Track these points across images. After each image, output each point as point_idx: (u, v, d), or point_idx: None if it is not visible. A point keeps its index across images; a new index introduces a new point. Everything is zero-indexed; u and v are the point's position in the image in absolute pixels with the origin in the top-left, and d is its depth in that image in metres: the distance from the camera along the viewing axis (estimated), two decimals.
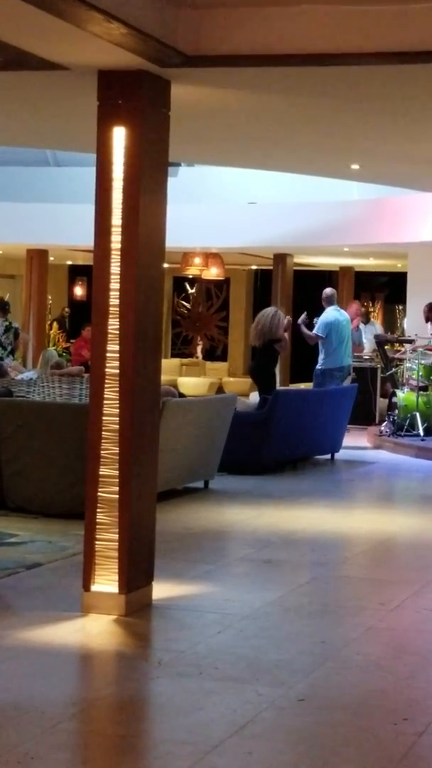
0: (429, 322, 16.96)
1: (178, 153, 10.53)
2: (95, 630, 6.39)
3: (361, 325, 19.80)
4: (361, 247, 20.62)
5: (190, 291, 28.40)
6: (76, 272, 28.96)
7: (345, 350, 15.38)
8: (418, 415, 15.40)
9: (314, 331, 15.24)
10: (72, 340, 22.50)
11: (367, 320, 20.27)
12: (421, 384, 15.79)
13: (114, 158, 6.56)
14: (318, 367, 15.30)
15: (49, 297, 24.04)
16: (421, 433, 15.28)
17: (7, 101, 7.93)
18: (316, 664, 5.85)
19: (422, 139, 9.23)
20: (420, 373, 15.88)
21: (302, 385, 18.02)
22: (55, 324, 23.82)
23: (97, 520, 6.63)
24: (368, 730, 4.96)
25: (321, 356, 15.31)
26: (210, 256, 22.81)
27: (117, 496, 6.59)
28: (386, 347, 17.86)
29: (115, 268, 6.56)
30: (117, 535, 6.59)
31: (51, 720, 4.93)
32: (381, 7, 5.90)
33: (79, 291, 29.04)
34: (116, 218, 6.56)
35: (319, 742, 4.84)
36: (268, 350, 13.89)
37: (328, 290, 15.90)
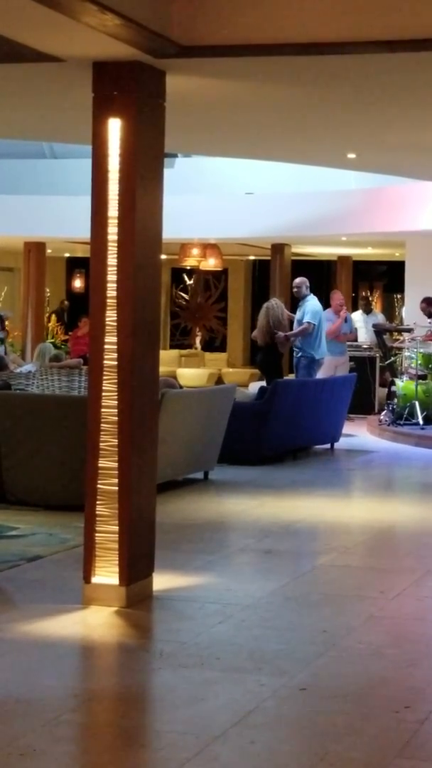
0: (431, 318, 16.88)
1: (174, 144, 10.52)
2: (96, 622, 6.39)
3: (363, 315, 19.76)
4: (358, 237, 20.59)
5: (189, 282, 28.39)
6: (75, 264, 28.94)
7: (324, 340, 15.25)
8: (417, 403, 15.39)
9: (305, 319, 14.78)
10: (70, 333, 22.51)
11: (369, 310, 20.22)
12: (420, 373, 15.79)
13: (110, 150, 6.55)
14: (304, 355, 14.99)
15: (48, 290, 24.01)
16: (421, 421, 15.28)
17: (2, 94, 7.90)
18: (317, 653, 5.86)
19: (418, 128, 9.21)
20: (419, 362, 15.87)
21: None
22: (53, 317, 23.80)
23: (97, 512, 6.64)
24: (370, 718, 4.97)
25: (306, 345, 14.93)
26: (208, 247, 22.78)
27: (117, 488, 6.59)
28: (385, 336, 17.84)
29: (112, 259, 6.56)
30: (117, 527, 6.60)
31: (53, 712, 4.93)
32: None
33: (77, 283, 29.02)
34: (113, 210, 6.55)
35: (321, 731, 4.84)
36: (272, 342, 14.01)
37: (300, 278, 15.53)
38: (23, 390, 12.71)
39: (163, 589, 6.99)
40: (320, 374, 15.75)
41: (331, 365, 16.39)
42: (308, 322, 14.75)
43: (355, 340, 18.71)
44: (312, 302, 15.08)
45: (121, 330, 6.55)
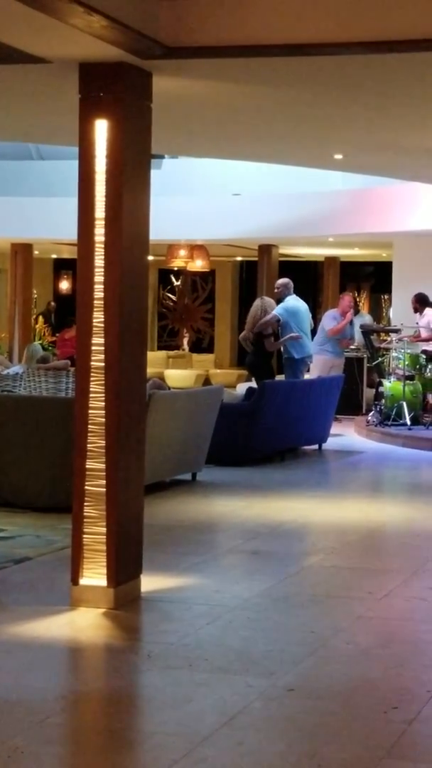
0: (418, 313, 16.94)
1: (161, 145, 10.51)
2: (84, 623, 6.39)
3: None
4: (346, 237, 20.61)
5: (176, 283, 28.39)
6: (61, 266, 28.92)
7: (307, 339, 15.16)
8: (404, 404, 15.41)
9: (272, 311, 14.61)
10: (58, 334, 22.50)
11: (356, 311, 20.22)
12: (407, 373, 15.81)
13: (96, 151, 6.55)
14: (287, 356, 14.95)
15: (35, 291, 23.99)
16: (408, 422, 15.31)
17: None
18: (305, 654, 5.86)
19: (405, 129, 9.23)
20: (406, 363, 15.90)
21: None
22: (40, 318, 23.78)
23: (85, 514, 6.63)
24: (358, 718, 4.98)
25: (288, 344, 14.83)
26: (195, 248, 22.79)
27: (104, 489, 6.59)
28: (372, 337, 17.86)
29: (99, 261, 6.55)
30: (105, 529, 6.59)
31: (40, 714, 4.93)
32: None
33: (64, 285, 28.99)
34: (99, 211, 6.55)
35: (309, 732, 4.85)
36: (261, 342, 14.03)
37: (283, 279, 15.53)
38: (10, 392, 12.68)
39: (151, 590, 6.99)
40: (314, 373, 15.76)
41: (326, 365, 16.40)
42: (274, 314, 14.58)
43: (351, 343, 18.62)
44: (289, 302, 14.97)
45: (109, 331, 6.55)
